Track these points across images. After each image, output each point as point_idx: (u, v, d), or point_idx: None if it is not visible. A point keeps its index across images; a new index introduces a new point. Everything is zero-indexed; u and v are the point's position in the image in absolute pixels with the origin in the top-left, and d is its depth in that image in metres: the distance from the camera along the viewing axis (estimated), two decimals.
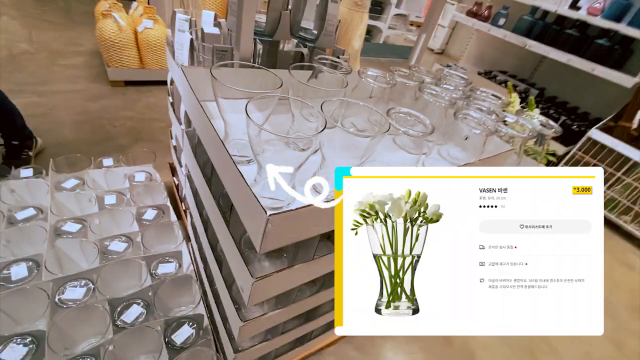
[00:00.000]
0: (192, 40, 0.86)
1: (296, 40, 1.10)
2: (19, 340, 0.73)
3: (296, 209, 0.48)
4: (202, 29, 0.92)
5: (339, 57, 0.92)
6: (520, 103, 1.44)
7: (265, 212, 0.45)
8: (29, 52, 2.34)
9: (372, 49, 4.75)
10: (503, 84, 2.87)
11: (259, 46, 0.97)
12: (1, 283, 0.83)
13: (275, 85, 0.61)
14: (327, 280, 0.79)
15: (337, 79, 0.75)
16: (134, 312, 0.85)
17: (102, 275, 0.89)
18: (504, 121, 0.87)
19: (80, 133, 1.75)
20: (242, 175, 0.50)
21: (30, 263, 0.89)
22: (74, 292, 0.85)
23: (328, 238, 0.73)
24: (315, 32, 1.08)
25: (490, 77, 3.14)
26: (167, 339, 0.83)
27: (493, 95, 1.05)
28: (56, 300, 0.82)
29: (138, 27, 2.17)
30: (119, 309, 0.85)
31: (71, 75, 2.22)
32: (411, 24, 5.68)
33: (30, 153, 1.48)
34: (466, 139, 0.72)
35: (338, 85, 0.75)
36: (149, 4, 2.29)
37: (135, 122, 1.96)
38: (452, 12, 3.50)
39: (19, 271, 0.86)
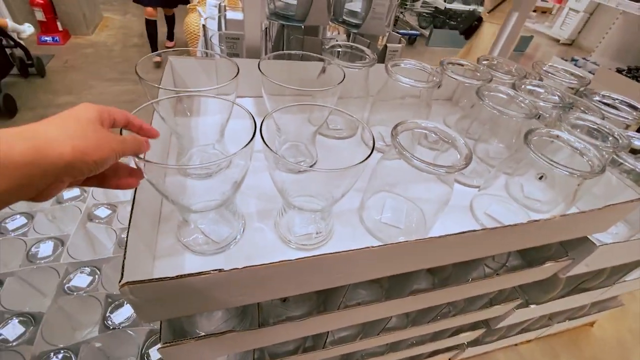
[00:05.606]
0: (203, 26, 0.76)
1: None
2: (20, 319, 0.77)
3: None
4: (225, 15, 0.81)
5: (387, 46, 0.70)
6: None
7: None
8: (138, 45, 2.68)
9: None
10: None
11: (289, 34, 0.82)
12: (30, 260, 0.89)
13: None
14: None
15: (352, 73, 0.55)
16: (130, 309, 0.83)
17: (113, 266, 0.89)
18: (633, 149, 0.53)
19: None
20: None
21: (58, 243, 0.93)
22: (81, 280, 0.86)
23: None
24: (364, 14, 0.87)
25: (637, 76, 2.34)
26: None
27: (624, 103, 0.69)
28: (64, 286, 0.84)
29: None
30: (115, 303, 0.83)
31: None
32: (534, 11, 4.74)
33: None
34: (540, 178, 0.44)
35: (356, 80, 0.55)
36: None
37: None
38: None
39: (45, 249, 0.91)
